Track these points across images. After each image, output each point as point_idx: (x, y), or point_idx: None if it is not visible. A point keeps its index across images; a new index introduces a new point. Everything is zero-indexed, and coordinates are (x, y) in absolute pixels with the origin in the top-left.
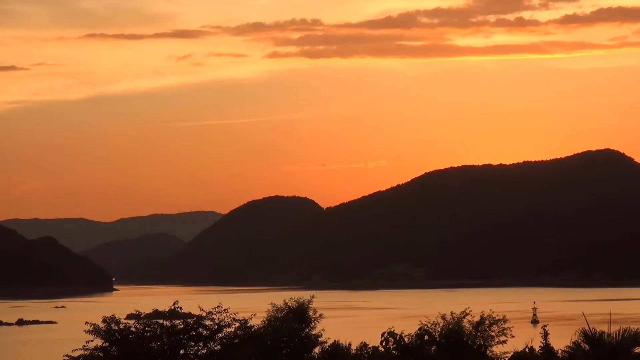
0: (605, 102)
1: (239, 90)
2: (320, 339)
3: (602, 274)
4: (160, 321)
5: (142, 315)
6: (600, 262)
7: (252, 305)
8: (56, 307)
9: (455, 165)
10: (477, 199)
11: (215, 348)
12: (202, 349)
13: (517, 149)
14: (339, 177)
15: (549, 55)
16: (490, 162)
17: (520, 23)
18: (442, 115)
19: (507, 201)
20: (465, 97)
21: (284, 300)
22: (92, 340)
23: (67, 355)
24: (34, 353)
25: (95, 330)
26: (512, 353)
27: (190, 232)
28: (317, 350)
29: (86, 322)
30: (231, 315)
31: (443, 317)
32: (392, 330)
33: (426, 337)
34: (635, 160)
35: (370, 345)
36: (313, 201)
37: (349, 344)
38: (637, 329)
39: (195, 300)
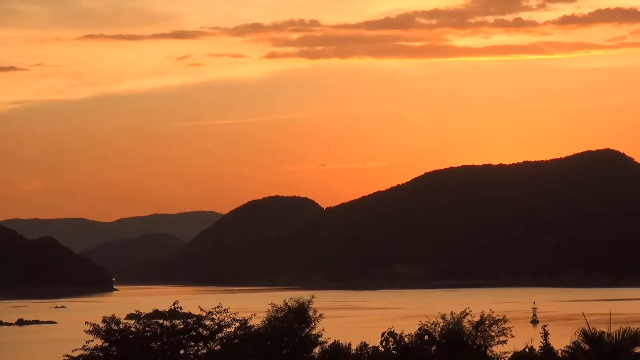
0: (605, 102)
1: (239, 90)
2: (320, 339)
3: (602, 274)
4: (160, 321)
5: (142, 315)
6: (600, 262)
7: (252, 305)
8: (56, 307)
9: (455, 165)
10: (477, 199)
11: (215, 348)
12: (202, 349)
13: (517, 149)
14: (339, 177)
15: (548, 55)
16: (490, 162)
17: (519, 24)
18: (441, 116)
19: (507, 201)
20: (465, 97)
21: (284, 300)
22: (92, 340)
23: (67, 355)
24: (34, 353)
25: (95, 330)
26: (512, 353)
27: (190, 232)
28: (317, 350)
29: (86, 322)
30: (231, 315)
31: (443, 317)
32: (392, 330)
33: (426, 337)
34: (635, 160)
35: (370, 345)
36: (313, 201)
37: (349, 344)
38: (637, 329)
39: (195, 300)
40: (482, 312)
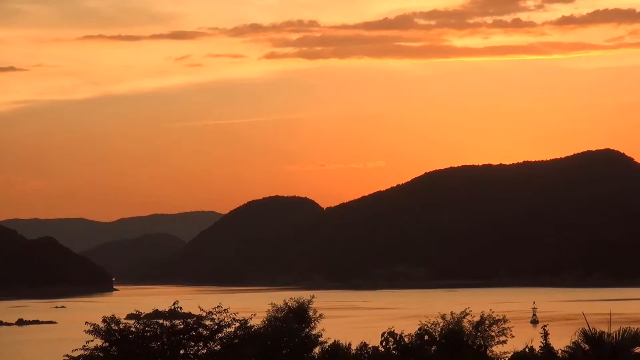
0: (605, 102)
1: (239, 90)
2: (320, 339)
3: (602, 274)
4: (160, 321)
5: (142, 315)
6: (600, 262)
7: (252, 305)
8: (56, 307)
9: (455, 165)
10: (477, 199)
11: (215, 348)
12: (202, 349)
13: (517, 149)
14: (339, 177)
15: (547, 56)
16: (490, 162)
17: (517, 24)
18: (441, 116)
19: (507, 201)
20: (465, 97)
21: (284, 300)
22: (92, 340)
23: (67, 355)
24: (34, 353)
25: (95, 330)
26: (512, 353)
27: (190, 232)
28: (317, 350)
29: (86, 322)
30: (231, 315)
31: (443, 317)
32: (392, 330)
33: (426, 337)
34: (635, 160)
35: (370, 345)
36: (313, 201)
37: (349, 344)
38: (637, 329)
39: (195, 300)
40: (482, 312)
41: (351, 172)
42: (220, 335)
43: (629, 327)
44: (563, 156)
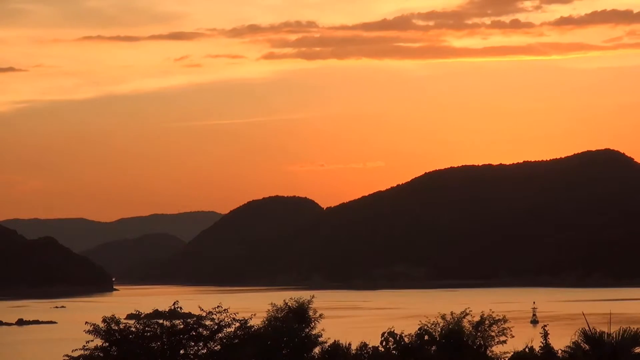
0: (605, 102)
1: (238, 90)
2: (320, 339)
3: (602, 274)
4: (160, 321)
5: (142, 315)
6: (600, 262)
7: (252, 305)
8: (56, 307)
9: (455, 165)
10: (477, 199)
11: (215, 348)
12: (202, 349)
13: (517, 149)
14: (338, 177)
15: (546, 56)
16: (490, 162)
17: (516, 25)
18: (441, 116)
19: (507, 201)
20: (464, 98)
21: (284, 300)
22: (92, 340)
23: (67, 355)
24: (34, 353)
25: (95, 330)
26: (512, 353)
27: (190, 232)
28: (317, 350)
29: (86, 322)
30: (231, 315)
31: (443, 317)
32: (392, 330)
33: (426, 337)
34: (635, 160)
35: (370, 345)
36: (313, 201)
37: (349, 344)
38: (637, 329)
39: (195, 300)
40: (482, 312)
41: (351, 172)
42: (220, 335)
43: (629, 327)
44: (563, 156)
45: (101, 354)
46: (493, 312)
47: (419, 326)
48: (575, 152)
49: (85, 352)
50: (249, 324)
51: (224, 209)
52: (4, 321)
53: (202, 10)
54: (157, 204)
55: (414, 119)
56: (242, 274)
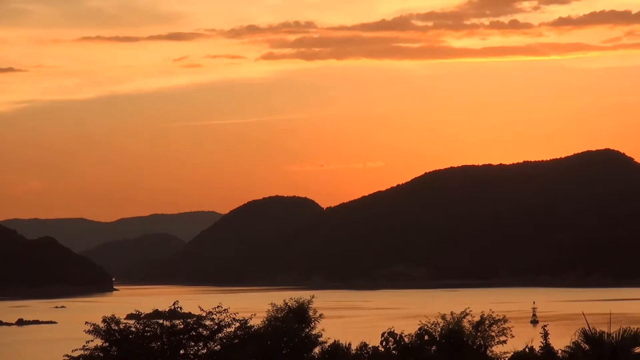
0: (605, 102)
1: (238, 90)
2: (320, 339)
3: (602, 274)
4: (160, 321)
5: (142, 315)
6: (600, 262)
7: (252, 305)
8: (56, 307)
9: (455, 165)
10: (477, 199)
11: (215, 348)
12: (202, 349)
13: (517, 149)
14: (338, 177)
15: (545, 57)
16: (490, 162)
17: (515, 25)
18: (441, 116)
19: (507, 201)
20: (464, 98)
21: (284, 300)
22: (92, 340)
23: (67, 355)
24: (34, 353)
25: (95, 330)
26: (512, 353)
27: (190, 232)
28: (317, 350)
29: (86, 322)
30: (231, 315)
31: (443, 317)
32: (392, 330)
33: (426, 337)
34: (635, 160)
35: (370, 345)
36: (313, 201)
37: (349, 344)
38: (637, 329)
39: (195, 300)
40: (482, 312)
41: (351, 172)
42: (220, 335)
43: (629, 327)
44: (563, 156)
45: (101, 354)
46: (493, 312)
47: (419, 326)
48: (575, 152)
49: (85, 352)
50: (249, 324)
51: (224, 209)
52: (4, 321)
53: (201, 11)
54: (157, 204)
55: (413, 119)
56: (242, 274)
